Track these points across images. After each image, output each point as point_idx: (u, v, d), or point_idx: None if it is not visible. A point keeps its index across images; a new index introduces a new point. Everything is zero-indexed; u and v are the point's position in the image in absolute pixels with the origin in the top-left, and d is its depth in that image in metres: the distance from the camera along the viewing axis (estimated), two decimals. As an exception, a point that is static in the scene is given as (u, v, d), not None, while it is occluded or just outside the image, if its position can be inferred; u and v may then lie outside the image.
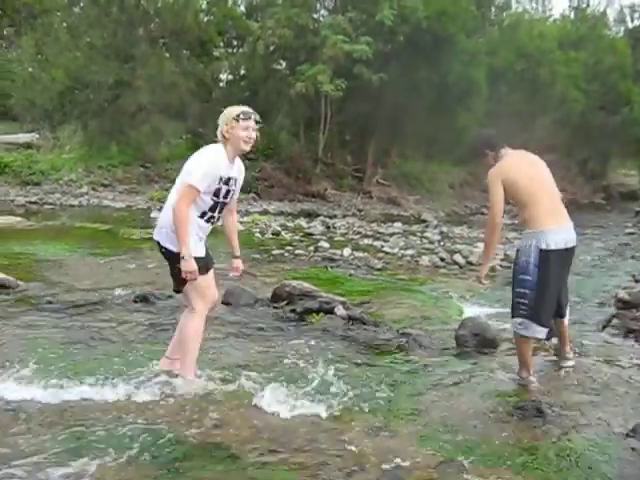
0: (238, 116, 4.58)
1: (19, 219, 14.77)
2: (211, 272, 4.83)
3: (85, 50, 24.89)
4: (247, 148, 4.65)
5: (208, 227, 4.73)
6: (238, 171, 4.75)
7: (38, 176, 21.70)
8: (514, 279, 5.32)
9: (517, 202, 5.41)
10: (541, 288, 5.14)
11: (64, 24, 26.28)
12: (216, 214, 4.69)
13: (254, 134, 4.62)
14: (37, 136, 24.57)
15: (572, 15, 40.36)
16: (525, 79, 30.49)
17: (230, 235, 5.04)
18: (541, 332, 5.27)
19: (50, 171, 22.23)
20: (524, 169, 5.48)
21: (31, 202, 19.05)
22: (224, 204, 4.69)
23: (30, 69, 26.65)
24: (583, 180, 37.42)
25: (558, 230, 5.24)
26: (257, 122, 4.65)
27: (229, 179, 4.63)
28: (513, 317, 5.35)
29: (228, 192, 4.66)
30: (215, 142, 4.68)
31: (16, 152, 22.97)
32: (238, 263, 5.10)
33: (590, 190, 37.23)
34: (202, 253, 4.68)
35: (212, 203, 4.61)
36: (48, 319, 6.54)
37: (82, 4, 26.79)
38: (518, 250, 5.38)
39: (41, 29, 27.13)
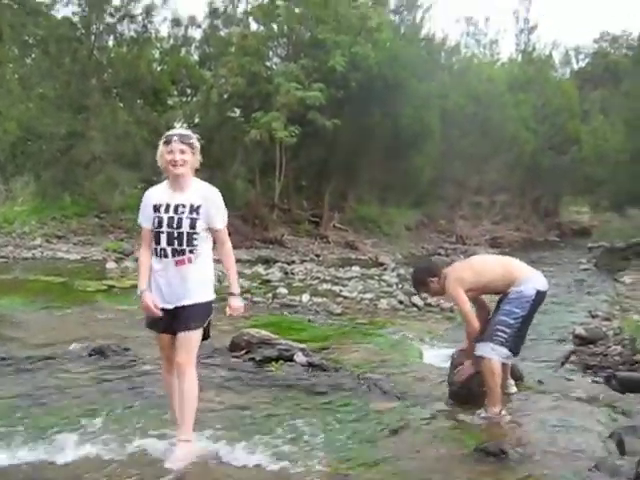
0: (162, 142, 4.53)
1: (-30, 274, 14.49)
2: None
3: (37, 101, 24.75)
4: (177, 172, 4.43)
5: (163, 263, 4.47)
6: (193, 197, 4.47)
7: (-10, 230, 21.38)
8: (501, 310, 5.66)
9: (494, 283, 5.83)
10: (526, 322, 5.66)
11: (16, 75, 26.15)
12: (163, 245, 4.44)
13: (178, 156, 4.42)
14: (-12, 188, 24.26)
15: (519, 58, 41.30)
16: (476, 121, 31.03)
17: (225, 270, 4.69)
18: (509, 357, 5.70)
19: (2, 224, 21.90)
20: (475, 265, 6.02)
21: (-17, 256, 18.72)
22: (173, 234, 4.42)
23: (-19, 121, 26.42)
24: (537, 218, 38.07)
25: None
26: (185, 143, 4.47)
27: (168, 206, 4.46)
28: (487, 342, 5.51)
29: (172, 219, 4.42)
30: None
31: (-34, 206, 22.64)
32: (233, 302, 4.63)
33: (544, 228, 37.82)
34: (160, 301, 4.50)
35: (155, 234, 4.48)
36: (0, 376, 6.38)
37: (34, 56, 26.72)
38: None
39: (-7, 81, 26.99)
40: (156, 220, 4.47)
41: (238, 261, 16.98)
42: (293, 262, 20.80)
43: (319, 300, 12.69)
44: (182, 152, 4.44)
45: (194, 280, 4.46)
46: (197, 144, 4.58)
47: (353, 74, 23.48)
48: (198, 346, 4.55)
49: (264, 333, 7.82)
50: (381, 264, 21.14)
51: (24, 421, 5.06)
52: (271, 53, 26.95)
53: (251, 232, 24.61)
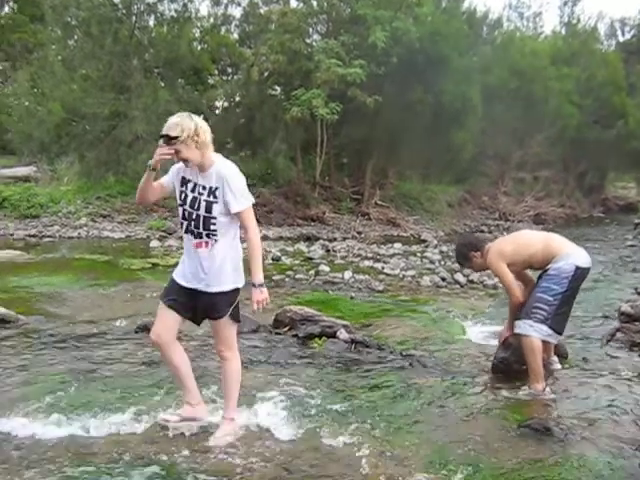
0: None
1: (18, 253, 14.74)
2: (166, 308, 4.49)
3: (80, 82, 24.97)
4: (188, 166, 4.33)
5: (186, 239, 4.42)
6: (212, 179, 4.30)
7: (37, 209, 21.67)
8: (540, 286, 5.62)
9: (534, 258, 5.79)
10: (567, 299, 5.59)
11: (59, 57, 26.35)
12: (185, 223, 4.38)
13: (176, 158, 4.26)
14: (35, 169, 24.61)
15: (563, 31, 40.57)
16: (519, 96, 30.58)
17: (248, 258, 4.41)
18: (551, 336, 5.59)
19: (48, 204, 22.22)
20: (517, 239, 6.03)
21: (30, 235, 19.03)
22: (192, 215, 4.32)
23: (26, 103, 26.74)
24: (581, 194, 37.49)
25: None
26: (172, 144, 4.19)
27: (195, 185, 4.33)
28: (526, 319, 5.47)
29: (195, 200, 4.32)
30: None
31: (14, 185, 22.98)
32: (255, 294, 4.32)
33: (588, 204, 37.28)
34: (176, 276, 4.52)
35: (179, 209, 4.42)
36: (50, 353, 6.52)
37: (76, 37, 26.90)
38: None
39: (36, 63, 27.27)
40: (182, 195, 4.38)
41: (280, 238, 16.98)
42: (335, 239, 20.84)
43: (361, 277, 12.69)
44: (177, 152, 4.22)
45: (213, 268, 4.34)
46: (188, 131, 4.19)
47: (394, 50, 23.26)
48: (235, 330, 4.54)
49: (307, 310, 7.85)
50: (423, 241, 21.08)
51: (73, 396, 5.17)
52: (311, 30, 26.80)
53: (293, 210, 24.66)
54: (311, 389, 5.49)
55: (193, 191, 4.34)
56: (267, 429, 4.62)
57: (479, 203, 32.10)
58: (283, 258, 15.41)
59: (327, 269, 13.67)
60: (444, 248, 17.97)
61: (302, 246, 17.94)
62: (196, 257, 4.36)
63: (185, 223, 4.39)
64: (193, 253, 4.38)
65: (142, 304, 9.23)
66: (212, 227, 4.31)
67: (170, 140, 4.20)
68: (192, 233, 4.36)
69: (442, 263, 15.06)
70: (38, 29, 30.08)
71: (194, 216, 4.32)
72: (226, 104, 29.70)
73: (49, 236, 19.06)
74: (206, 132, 4.29)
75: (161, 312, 4.51)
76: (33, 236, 19.01)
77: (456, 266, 13.84)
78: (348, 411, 5.01)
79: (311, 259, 15.51)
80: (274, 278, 12.52)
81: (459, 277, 12.60)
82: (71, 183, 23.73)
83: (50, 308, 8.91)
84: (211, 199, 4.29)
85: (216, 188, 4.28)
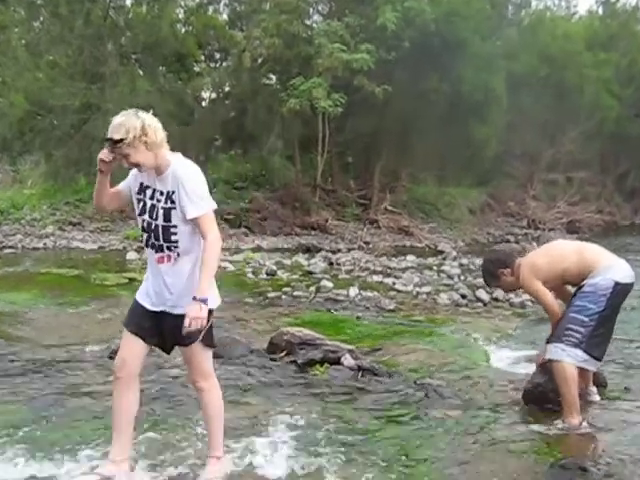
0: None
1: (-25, 266, 14.76)
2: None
3: (47, 70, 25.01)
4: (141, 171, 4.25)
5: (147, 253, 4.40)
6: (169, 181, 4.22)
7: (-4, 216, 21.74)
8: (573, 305, 5.58)
9: (568, 272, 5.77)
10: (606, 320, 5.52)
11: (22, 41, 26.45)
12: (145, 235, 4.33)
13: (126, 163, 4.18)
14: (-6, 170, 24.66)
15: (600, 11, 40.68)
16: (550, 85, 30.67)
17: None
18: (588, 361, 5.52)
19: (10, 209, 22.26)
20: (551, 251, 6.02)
21: (-12, 246, 19.06)
22: (151, 225, 4.27)
23: (-16, 93, 26.80)
24: (622, 198, 37.52)
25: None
26: (117, 148, 4.11)
27: (154, 191, 4.28)
28: (557, 343, 5.46)
29: (153, 208, 4.27)
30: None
31: (-30, 189, 23.04)
32: (189, 309, 4.09)
33: (631, 209, 37.36)
34: (139, 297, 4.48)
35: (139, 219, 4.38)
36: (9, 381, 6.49)
37: (42, 18, 26.98)
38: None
39: (-4, 48, 27.34)
40: (141, 203, 4.33)
41: (276, 250, 17.02)
42: (339, 250, 20.85)
43: (369, 294, 12.70)
44: (126, 156, 4.14)
45: (178, 286, 4.28)
46: (134, 132, 4.09)
47: (406, 32, 23.32)
48: (209, 357, 4.48)
49: (307, 332, 7.83)
50: (440, 252, 21.08)
51: (29, 435, 5.13)
52: (311, 10, 26.94)
53: (290, 216, 24.70)
54: (312, 422, 5.47)
55: (152, 198, 4.29)
56: (262, 467, 4.61)
57: (504, 209, 32.15)
58: (279, 272, 15.40)
59: (330, 285, 13.67)
60: (464, 261, 17.98)
61: (301, 258, 17.95)
62: (159, 274, 4.32)
63: (145, 235, 4.35)
64: (156, 269, 4.34)
65: (117, 325, 9.17)
66: (173, 237, 4.25)
67: (115, 144, 4.11)
68: (153, 246, 4.32)
69: (462, 278, 15.06)
70: (-1, 10, 30.14)
71: (153, 226, 4.28)
72: (214, 95, 29.79)
73: (10, 247, 19.08)
74: (156, 130, 4.18)
75: (125, 340, 4.45)
76: (-8, 247, 19.01)
77: (478, 281, 13.87)
78: (354, 447, 4.99)
79: (311, 273, 15.51)
80: (269, 295, 12.51)
81: (482, 294, 12.61)
82: (36, 186, 23.79)
83: (11, 330, 8.90)
84: (168, 205, 4.23)
85: (172, 192, 4.21)
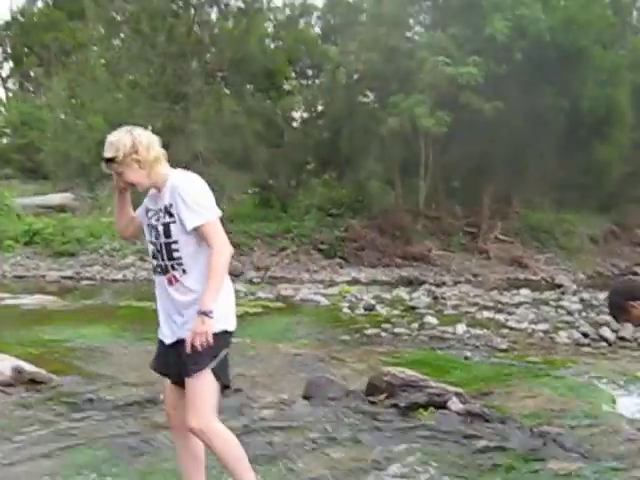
0: None
1: (52, 298, 15.13)
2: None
3: (127, 90, 25.63)
4: (140, 190, 4.36)
5: (161, 282, 4.34)
6: (166, 196, 4.26)
7: (74, 245, 22.27)
8: None
9: None
10: None
11: (102, 60, 27.17)
12: (152, 260, 4.39)
13: (121, 183, 4.28)
14: (72, 196, 25.34)
15: None
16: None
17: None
18: None
19: (88, 239, 22.79)
20: None
21: (66, 277, 19.55)
22: (156, 246, 4.30)
23: (62, 116, 27.63)
24: None
25: None
26: (112, 165, 4.19)
27: (155, 212, 4.33)
28: None
29: (154, 228, 4.31)
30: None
31: (47, 217, 23.65)
32: (195, 324, 4.09)
33: None
34: (159, 333, 4.47)
35: (150, 249, 4.41)
36: (87, 422, 6.61)
37: (123, 36, 27.64)
38: None
39: (75, 68, 28.20)
40: (149, 228, 4.38)
41: (374, 282, 17.04)
42: (444, 284, 20.74)
43: (478, 332, 12.62)
44: (120, 175, 4.23)
45: (187, 305, 4.23)
46: (124, 150, 4.17)
47: (518, 43, 23.20)
48: (213, 398, 4.26)
49: (409, 373, 7.77)
50: (558, 286, 20.77)
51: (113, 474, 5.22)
52: (412, 21, 27.02)
53: (390, 246, 24.72)
54: (415, 474, 5.41)
55: (157, 220, 4.31)
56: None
57: (631, 237, 31.51)
58: (378, 307, 15.39)
59: (435, 321, 13.60)
60: (586, 295, 17.65)
61: (402, 292, 17.90)
62: (168, 299, 4.31)
63: (154, 262, 4.38)
64: (166, 295, 4.33)
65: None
66: (175, 254, 4.24)
67: (107, 163, 4.20)
68: (161, 269, 4.32)
69: (583, 314, 14.81)
70: (77, 27, 31.16)
71: (158, 247, 4.30)
72: (306, 114, 30.08)
73: (88, 278, 19.55)
74: (149, 147, 4.23)
75: (164, 388, 4.54)
76: (69, 278, 19.55)
77: (601, 318, 13.62)
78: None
79: (414, 309, 15.47)
80: (367, 332, 12.50)
81: (606, 332, 12.36)
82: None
83: (89, 367, 9.06)
84: (167, 219, 4.24)
85: (170, 205, 4.22)
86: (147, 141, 4.22)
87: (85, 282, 19.12)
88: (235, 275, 19.86)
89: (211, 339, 4.02)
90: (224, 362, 4.23)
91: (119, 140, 4.16)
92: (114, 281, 19.41)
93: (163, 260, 4.27)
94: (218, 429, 4.28)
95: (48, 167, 26.52)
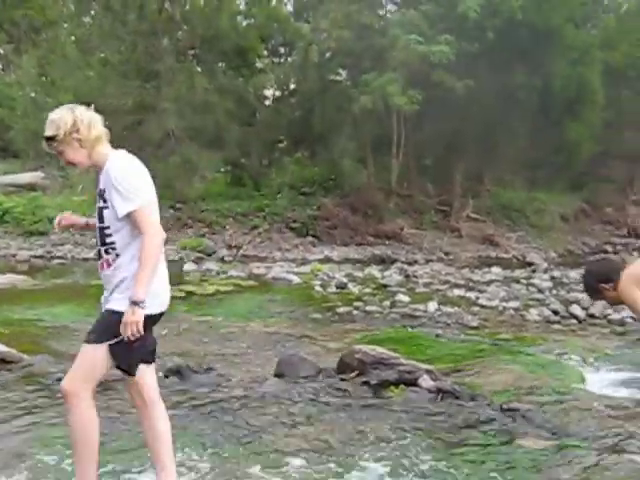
0: None
1: (22, 277, 15.04)
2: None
3: (98, 68, 25.40)
4: (81, 169, 4.39)
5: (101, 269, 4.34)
6: (102, 179, 4.23)
7: (44, 224, 22.09)
8: None
9: None
10: None
11: (72, 38, 26.90)
12: (98, 244, 4.34)
13: (62, 161, 4.31)
14: (42, 175, 25.12)
15: None
16: (654, 78, 30.14)
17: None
18: None
19: (59, 218, 22.60)
20: None
21: (36, 256, 19.44)
22: (98, 228, 4.26)
23: (32, 94, 27.33)
24: None
25: None
26: (53, 145, 4.18)
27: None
28: None
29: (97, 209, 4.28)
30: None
31: (17, 196, 23.48)
32: (125, 315, 4.04)
33: None
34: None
35: None
36: (59, 400, 6.58)
37: (93, 13, 27.40)
38: None
39: (45, 45, 27.89)
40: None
41: (346, 261, 17.05)
42: (416, 262, 20.81)
43: (449, 310, 12.67)
44: (61, 154, 4.23)
45: (116, 284, 4.22)
46: (64, 128, 4.15)
47: (490, 21, 23.18)
48: (94, 372, 4.23)
49: (381, 350, 7.79)
50: (529, 264, 20.92)
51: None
52: (384, -1, 26.93)
53: (363, 224, 24.71)
54: (385, 452, 5.43)
55: (96, 203, 4.28)
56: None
57: (601, 216, 31.68)
58: (350, 285, 15.41)
59: (406, 299, 13.64)
60: (556, 273, 17.77)
61: (374, 270, 17.93)
62: (104, 282, 4.33)
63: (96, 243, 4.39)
64: (103, 279, 4.34)
65: (173, 342, 9.28)
66: (107, 239, 4.22)
67: (48, 141, 4.19)
68: (98, 254, 4.34)
69: (554, 292, 14.90)
70: (47, 4, 30.82)
71: (96, 231, 4.30)
72: (278, 93, 29.96)
73: (59, 257, 19.44)
74: (90, 126, 4.21)
75: None
76: (40, 257, 19.43)
77: (572, 296, 13.73)
78: (434, 477, 4.94)
79: (386, 287, 15.50)
80: (339, 310, 12.52)
81: (576, 310, 12.44)
82: (86, 192, 24.13)
83: (60, 346, 9.03)
84: (101, 204, 4.21)
85: (103, 190, 4.20)
86: (88, 120, 4.22)
87: (56, 261, 19.02)
88: (207, 254, 19.80)
89: (142, 329, 4.03)
90: (132, 348, 4.15)
91: (60, 118, 4.15)
92: (85, 260, 19.29)
93: (97, 244, 4.30)
94: (83, 402, 4.22)
95: (18, 145, 26.24)
